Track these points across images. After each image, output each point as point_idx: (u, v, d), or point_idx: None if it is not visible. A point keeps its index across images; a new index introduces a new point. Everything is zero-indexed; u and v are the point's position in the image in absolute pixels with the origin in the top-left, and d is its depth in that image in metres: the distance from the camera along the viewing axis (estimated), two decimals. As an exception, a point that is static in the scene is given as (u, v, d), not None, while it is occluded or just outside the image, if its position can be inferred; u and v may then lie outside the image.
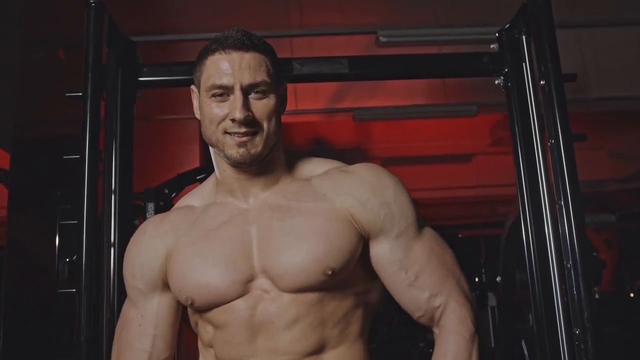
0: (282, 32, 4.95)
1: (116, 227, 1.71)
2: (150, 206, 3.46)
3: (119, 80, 1.81)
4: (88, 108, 1.59)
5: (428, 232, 1.40)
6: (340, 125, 6.43)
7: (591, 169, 6.15)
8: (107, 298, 1.61)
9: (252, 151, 1.30)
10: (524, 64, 1.82)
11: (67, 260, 3.30)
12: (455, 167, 7.42)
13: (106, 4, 1.71)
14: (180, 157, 4.55)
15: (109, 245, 1.67)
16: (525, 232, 1.76)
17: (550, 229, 1.66)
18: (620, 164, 6.91)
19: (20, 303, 3.28)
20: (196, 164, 4.46)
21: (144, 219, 3.46)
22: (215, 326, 1.34)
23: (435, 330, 1.37)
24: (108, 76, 1.73)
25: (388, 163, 6.78)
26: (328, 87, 4.97)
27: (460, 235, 5.96)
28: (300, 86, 4.53)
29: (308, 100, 4.97)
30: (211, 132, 1.32)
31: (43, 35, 3.75)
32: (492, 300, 4.36)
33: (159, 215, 1.47)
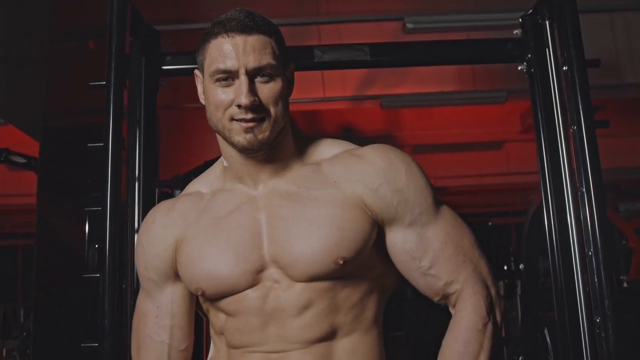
0: (310, 19, 4.94)
1: (140, 213, 1.74)
2: (178, 193, 3.49)
3: (142, 69, 1.83)
4: (111, 96, 1.61)
5: (444, 214, 1.34)
6: (368, 112, 6.41)
7: (624, 156, 6.04)
8: (130, 284, 1.64)
9: (260, 137, 1.26)
10: (547, 49, 1.80)
11: (97, 246, 3.36)
12: (485, 154, 7.36)
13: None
14: (207, 144, 4.57)
15: (133, 231, 1.70)
16: (548, 220, 1.75)
17: (573, 216, 1.65)
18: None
19: (50, 289, 3.35)
20: (223, 151, 4.48)
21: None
22: (227, 314, 1.33)
23: (452, 311, 1.34)
24: (131, 65, 1.75)
25: (418, 150, 6.75)
26: (355, 74, 4.95)
27: (490, 223, 5.87)
28: (328, 73, 4.51)
29: (336, 87, 4.96)
30: (217, 119, 1.29)
31: (69, 25, 3.80)
32: (520, 288, 4.31)
33: (168, 202, 1.45)
